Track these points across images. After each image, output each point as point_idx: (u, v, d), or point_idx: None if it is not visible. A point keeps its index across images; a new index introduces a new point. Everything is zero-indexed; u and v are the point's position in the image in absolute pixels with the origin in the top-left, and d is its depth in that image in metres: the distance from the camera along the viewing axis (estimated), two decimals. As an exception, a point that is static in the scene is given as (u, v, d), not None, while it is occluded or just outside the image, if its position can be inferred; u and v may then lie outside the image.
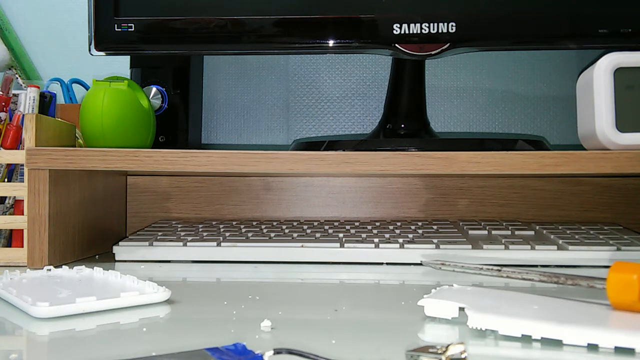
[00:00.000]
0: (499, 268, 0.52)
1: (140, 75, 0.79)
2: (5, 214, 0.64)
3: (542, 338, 0.35)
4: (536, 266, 0.60)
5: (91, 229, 0.70)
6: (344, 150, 0.68)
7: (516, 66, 0.89)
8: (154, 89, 0.79)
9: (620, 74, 0.60)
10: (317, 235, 0.68)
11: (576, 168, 0.59)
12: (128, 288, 0.46)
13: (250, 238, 0.66)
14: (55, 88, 0.83)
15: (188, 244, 0.65)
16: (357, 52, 0.86)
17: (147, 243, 0.65)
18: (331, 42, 0.70)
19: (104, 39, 0.72)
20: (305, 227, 0.72)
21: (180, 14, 0.71)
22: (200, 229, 0.72)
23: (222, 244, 0.64)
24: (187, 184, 0.85)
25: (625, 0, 0.68)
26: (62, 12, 0.92)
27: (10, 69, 0.87)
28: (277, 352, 0.31)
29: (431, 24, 0.69)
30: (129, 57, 0.80)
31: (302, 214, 0.84)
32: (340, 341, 0.36)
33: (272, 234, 0.68)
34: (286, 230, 0.70)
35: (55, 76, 0.85)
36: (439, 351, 0.31)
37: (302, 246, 0.64)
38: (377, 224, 0.75)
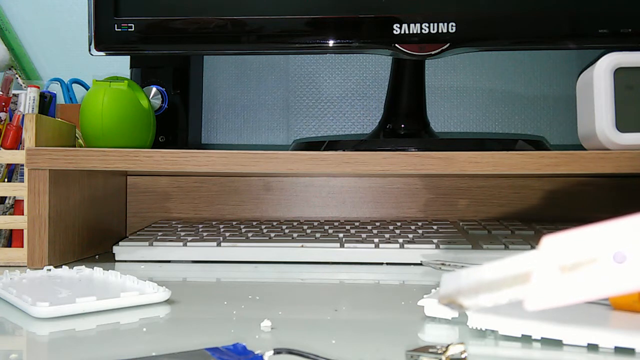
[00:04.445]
0: (499, 268, 0.52)
1: (140, 75, 0.79)
2: (5, 214, 0.64)
3: (542, 338, 0.35)
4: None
5: (91, 229, 0.70)
6: (344, 150, 0.68)
7: (516, 66, 0.89)
8: (154, 89, 0.79)
9: (620, 74, 0.60)
10: (317, 235, 0.68)
11: (576, 168, 0.59)
12: (128, 288, 0.46)
13: (250, 238, 0.66)
14: (55, 88, 0.83)
15: (188, 244, 0.65)
16: (357, 52, 0.86)
17: (147, 243, 0.65)
18: (331, 42, 0.70)
19: (104, 39, 0.72)
20: (305, 227, 0.72)
21: (180, 14, 0.71)
22: (200, 229, 0.72)
23: (222, 244, 0.64)
24: (187, 184, 0.85)
25: (625, 0, 0.68)
26: (62, 12, 0.92)
27: (10, 69, 0.87)
28: (277, 352, 0.31)
29: (431, 24, 0.69)
30: (129, 57, 0.80)
31: (302, 214, 0.84)
32: (340, 341, 0.36)
33: (272, 234, 0.68)
34: (286, 230, 0.70)
35: (55, 76, 0.85)
36: (439, 351, 0.31)
37: (302, 246, 0.64)
38: (377, 224, 0.75)
